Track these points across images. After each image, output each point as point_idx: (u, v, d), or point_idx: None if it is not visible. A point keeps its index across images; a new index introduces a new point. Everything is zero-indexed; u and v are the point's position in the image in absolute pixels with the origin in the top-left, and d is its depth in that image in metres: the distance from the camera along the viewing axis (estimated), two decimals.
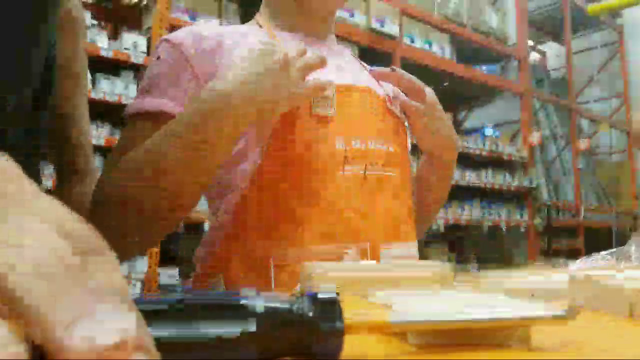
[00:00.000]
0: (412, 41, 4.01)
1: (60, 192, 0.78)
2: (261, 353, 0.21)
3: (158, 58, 0.73)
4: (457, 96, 5.20)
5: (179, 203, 0.66)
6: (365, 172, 0.72)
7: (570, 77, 5.88)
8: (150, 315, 0.19)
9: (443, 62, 4.23)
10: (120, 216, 0.66)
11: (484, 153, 4.55)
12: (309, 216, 0.68)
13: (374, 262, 0.67)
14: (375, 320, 0.25)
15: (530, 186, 4.90)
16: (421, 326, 0.27)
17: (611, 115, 6.69)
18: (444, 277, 0.52)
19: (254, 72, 0.62)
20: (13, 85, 0.59)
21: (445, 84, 4.63)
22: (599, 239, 5.47)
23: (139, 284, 2.56)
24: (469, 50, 4.67)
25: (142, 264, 2.52)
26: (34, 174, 0.69)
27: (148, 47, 2.77)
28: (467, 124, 5.83)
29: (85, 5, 2.66)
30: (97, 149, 2.32)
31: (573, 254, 5.16)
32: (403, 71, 0.80)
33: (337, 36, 0.90)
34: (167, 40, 0.74)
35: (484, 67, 4.95)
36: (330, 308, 0.23)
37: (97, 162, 0.86)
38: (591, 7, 5.85)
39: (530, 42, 5.96)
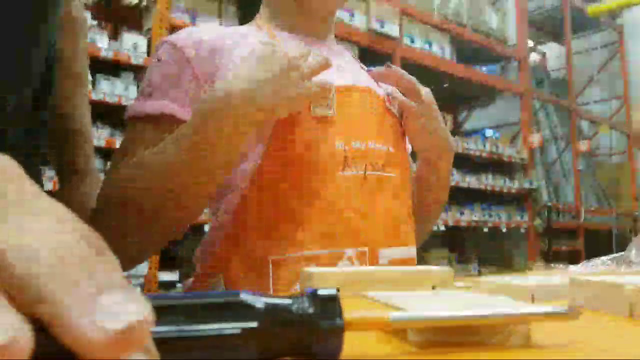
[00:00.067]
0: (412, 41, 4.02)
1: (60, 192, 0.78)
2: (261, 352, 0.21)
3: (159, 60, 0.73)
4: (457, 97, 5.21)
5: (183, 205, 0.66)
6: (365, 173, 0.72)
7: (570, 78, 5.89)
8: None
9: (443, 62, 4.23)
10: (123, 218, 0.66)
11: (484, 154, 4.55)
12: (308, 216, 0.68)
13: (373, 267, 0.67)
14: (375, 318, 0.25)
15: (531, 188, 4.90)
16: (421, 323, 0.27)
17: (611, 117, 6.70)
18: (444, 279, 0.52)
19: (255, 72, 0.62)
20: (13, 85, 0.59)
21: (445, 85, 4.64)
22: (599, 241, 5.47)
23: (138, 285, 2.56)
24: (469, 51, 4.67)
25: (142, 265, 2.52)
26: (35, 175, 0.70)
27: (148, 48, 2.78)
28: (467, 125, 5.84)
29: (86, 6, 2.66)
30: (98, 150, 2.33)
31: (573, 256, 5.16)
32: (402, 70, 0.80)
33: (337, 37, 0.90)
34: (167, 42, 0.74)
35: (484, 68, 4.96)
36: (330, 305, 0.23)
37: (97, 163, 0.86)
38: (591, 8, 5.85)
39: (530, 43, 5.97)
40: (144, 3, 2.92)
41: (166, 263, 2.66)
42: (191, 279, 0.76)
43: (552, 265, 0.72)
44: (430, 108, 0.79)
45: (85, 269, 0.16)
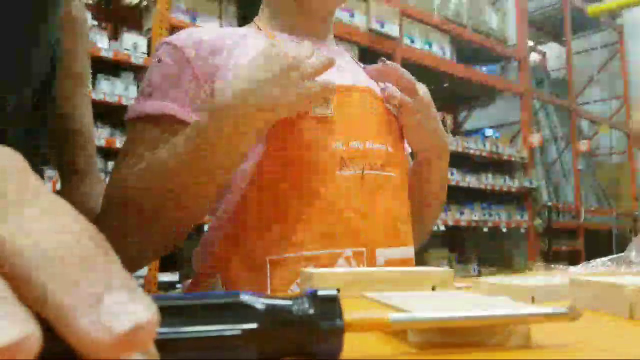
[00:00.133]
0: (412, 42, 4.02)
1: (61, 192, 0.78)
2: (261, 352, 0.21)
3: (159, 61, 0.73)
4: (457, 96, 5.21)
5: (183, 205, 0.66)
6: (363, 173, 0.71)
7: (570, 78, 5.89)
8: None
9: (443, 62, 4.23)
10: (124, 218, 0.66)
11: (484, 154, 4.55)
12: (306, 216, 0.68)
13: (373, 268, 0.67)
14: (376, 318, 0.25)
15: (531, 187, 4.90)
16: (421, 324, 0.27)
17: (611, 117, 6.70)
18: (444, 280, 0.52)
19: (255, 73, 0.62)
20: (13, 85, 0.59)
21: (445, 85, 4.64)
22: (599, 241, 5.48)
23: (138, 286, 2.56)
24: (469, 51, 4.67)
25: None
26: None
27: (148, 48, 2.78)
28: (467, 125, 5.84)
29: (86, 6, 2.66)
30: (98, 149, 2.32)
31: (573, 256, 5.16)
32: (398, 66, 0.79)
33: (337, 37, 0.90)
34: (167, 43, 0.74)
35: (484, 68, 4.96)
36: (330, 306, 0.23)
37: (98, 162, 0.86)
38: (591, 8, 5.85)
39: (530, 43, 5.97)
40: (144, 3, 2.92)
41: (166, 264, 2.66)
42: (190, 280, 0.76)
43: (552, 265, 0.72)
44: (427, 105, 0.79)
45: (90, 268, 0.16)
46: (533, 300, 0.46)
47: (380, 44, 3.67)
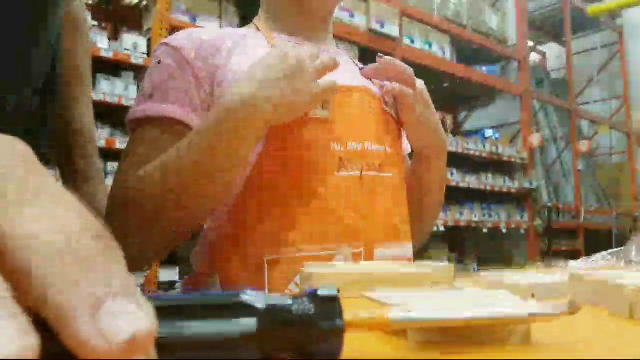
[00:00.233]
0: (412, 42, 4.02)
1: None
2: (261, 352, 0.21)
3: (159, 62, 0.73)
4: (457, 97, 5.21)
5: (183, 205, 0.66)
6: (361, 173, 0.72)
7: (570, 78, 5.89)
8: None
9: (443, 62, 4.23)
10: (124, 219, 0.66)
11: (484, 155, 4.55)
12: (305, 217, 0.68)
13: (373, 263, 0.67)
14: (376, 318, 0.25)
15: (531, 188, 4.90)
16: (422, 323, 0.27)
17: (611, 117, 6.70)
18: (445, 276, 0.52)
19: (269, 76, 0.63)
20: (13, 85, 0.59)
21: (445, 85, 4.64)
22: (599, 241, 5.47)
23: (138, 285, 2.56)
24: (469, 51, 4.67)
25: None
26: None
27: (148, 48, 2.78)
28: (467, 126, 5.84)
29: (86, 6, 2.66)
30: (98, 150, 2.32)
31: (573, 256, 5.15)
32: (396, 61, 0.78)
33: (336, 37, 0.90)
34: (166, 44, 0.74)
35: (484, 68, 4.96)
36: (330, 305, 0.23)
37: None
38: (591, 8, 5.85)
39: (530, 43, 5.97)
40: (144, 3, 2.93)
41: (166, 263, 2.66)
42: (188, 277, 0.76)
43: (552, 263, 0.72)
44: (425, 100, 0.79)
45: (90, 268, 0.16)
46: (533, 296, 0.46)
47: (380, 44, 3.67)
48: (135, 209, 0.66)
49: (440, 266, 0.53)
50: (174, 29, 2.61)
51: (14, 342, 0.13)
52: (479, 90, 4.92)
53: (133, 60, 2.69)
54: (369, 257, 0.70)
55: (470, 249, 4.93)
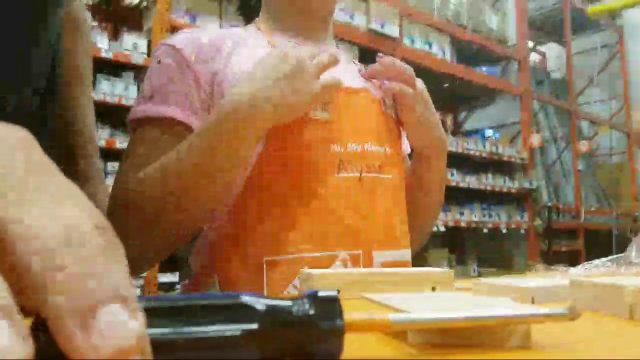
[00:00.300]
0: (412, 42, 4.02)
1: None
2: (262, 353, 0.21)
3: (159, 62, 0.73)
4: (457, 97, 5.21)
5: (183, 207, 0.66)
6: (361, 175, 0.71)
7: (570, 78, 5.89)
8: (150, 315, 0.19)
9: (443, 63, 4.23)
10: (125, 220, 0.66)
11: (484, 155, 4.55)
12: (304, 217, 0.68)
13: (373, 269, 0.67)
14: (376, 319, 0.25)
15: (531, 188, 4.90)
16: (422, 325, 0.27)
17: (611, 117, 6.70)
18: (445, 281, 0.52)
19: (269, 77, 0.63)
20: (13, 85, 0.59)
21: (445, 85, 4.64)
22: (599, 241, 5.48)
23: (138, 287, 2.56)
24: (469, 52, 4.67)
25: None
26: None
27: (148, 48, 2.78)
28: (467, 126, 5.84)
29: (86, 6, 2.66)
30: (98, 150, 2.32)
31: (573, 256, 5.16)
32: (396, 60, 0.78)
33: (337, 37, 0.90)
34: (166, 44, 0.74)
35: (484, 69, 4.96)
36: (330, 306, 0.23)
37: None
38: (591, 9, 5.85)
39: (530, 43, 5.97)
40: (144, 3, 2.92)
41: (166, 264, 2.66)
42: (187, 281, 0.76)
43: (552, 267, 0.72)
44: (425, 99, 0.79)
45: (92, 269, 0.16)
46: (533, 301, 0.46)
47: (380, 44, 3.67)
48: (135, 210, 0.66)
49: (440, 271, 0.53)
50: (174, 29, 2.62)
51: (10, 348, 0.14)
52: (479, 90, 4.92)
53: (133, 61, 2.69)
54: (368, 259, 0.70)
55: (470, 249, 4.93)
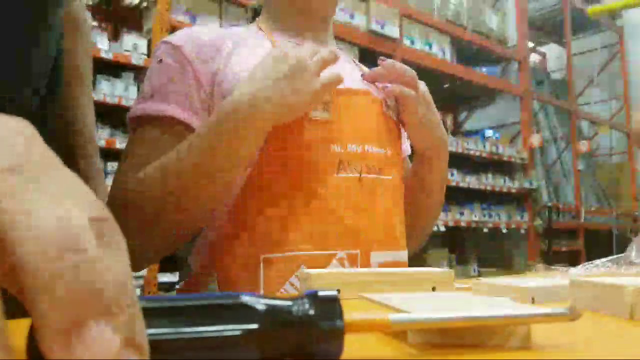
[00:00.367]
0: (412, 43, 4.02)
1: None
2: (262, 352, 0.21)
3: (159, 61, 0.73)
4: (457, 97, 5.21)
5: (183, 208, 0.66)
6: (360, 176, 0.71)
7: (571, 79, 5.89)
8: (150, 315, 0.19)
9: (443, 63, 4.23)
10: (124, 220, 0.66)
11: (484, 155, 4.55)
12: (303, 217, 0.68)
13: (373, 269, 0.67)
14: (376, 319, 0.25)
15: (531, 188, 4.90)
16: (422, 325, 0.27)
17: (611, 117, 6.70)
18: (445, 281, 0.52)
19: (269, 76, 0.63)
20: (13, 85, 0.59)
21: (445, 86, 4.64)
22: (599, 241, 5.47)
23: (138, 287, 2.56)
24: (469, 52, 4.67)
25: None
26: None
27: (148, 49, 2.78)
28: (467, 126, 5.84)
29: (86, 6, 2.66)
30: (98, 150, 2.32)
31: (573, 256, 5.16)
32: (398, 63, 0.78)
33: (337, 37, 0.90)
34: (167, 42, 0.74)
35: (484, 69, 4.96)
36: (330, 306, 0.23)
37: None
38: (591, 9, 5.85)
39: (531, 44, 5.97)
40: (144, 4, 2.92)
41: (166, 264, 2.66)
42: (184, 281, 0.76)
43: (552, 267, 0.72)
44: (428, 101, 0.79)
45: (86, 276, 0.16)
46: (533, 301, 0.46)
47: (380, 45, 3.67)
48: (135, 211, 0.66)
49: (440, 271, 0.53)
50: (174, 30, 2.61)
51: None
52: (479, 90, 4.92)
53: (133, 61, 2.69)
54: (365, 259, 0.70)
55: (470, 249, 4.92)
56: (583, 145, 5.82)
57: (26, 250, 0.16)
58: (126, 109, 0.75)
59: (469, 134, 5.36)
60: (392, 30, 3.76)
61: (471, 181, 4.40)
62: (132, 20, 2.99)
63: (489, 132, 5.09)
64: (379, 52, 3.61)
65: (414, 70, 0.78)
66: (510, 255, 4.98)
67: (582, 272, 0.64)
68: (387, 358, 0.27)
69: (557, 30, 6.26)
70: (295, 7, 0.81)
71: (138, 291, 2.54)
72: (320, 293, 0.23)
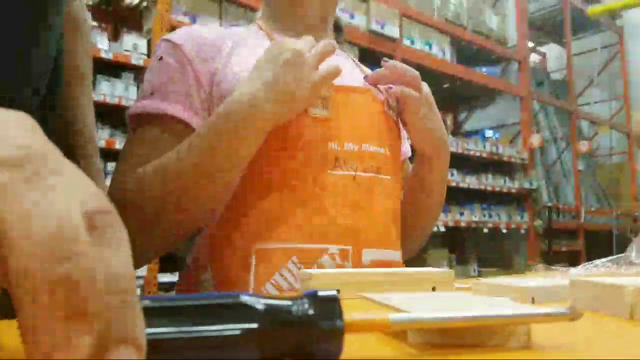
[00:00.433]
0: (412, 43, 4.02)
1: None
2: (262, 352, 0.21)
3: (159, 60, 0.73)
4: (457, 97, 5.21)
5: (183, 208, 0.66)
6: (355, 174, 0.71)
7: (571, 79, 5.89)
8: (150, 315, 0.19)
9: (443, 63, 4.23)
10: (124, 220, 0.66)
11: (484, 155, 4.55)
12: (296, 212, 0.68)
13: (373, 269, 0.67)
14: (376, 319, 0.25)
15: (531, 188, 4.90)
16: (422, 325, 0.27)
17: (611, 118, 6.70)
18: (445, 281, 0.52)
19: (268, 76, 0.63)
20: (13, 85, 0.59)
21: (445, 86, 4.64)
22: (599, 241, 5.47)
23: (138, 287, 2.56)
24: (469, 52, 4.68)
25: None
26: None
27: (148, 49, 2.78)
28: (467, 126, 5.83)
29: (86, 6, 2.66)
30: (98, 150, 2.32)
31: (573, 256, 5.16)
32: (400, 64, 0.78)
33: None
34: (167, 41, 0.74)
35: (484, 69, 4.96)
36: (330, 306, 0.23)
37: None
38: (591, 9, 5.86)
39: (531, 44, 5.97)
40: (144, 4, 2.92)
41: (166, 264, 2.66)
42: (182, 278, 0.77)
43: (552, 267, 0.72)
44: (430, 102, 0.79)
45: (72, 290, 0.16)
46: (533, 301, 0.46)
47: (380, 45, 3.67)
48: (134, 211, 0.66)
49: (440, 271, 0.53)
50: (173, 30, 2.61)
51: None
52: (479, 90, 4.92)
53: (133, 61, 2.69)
54: (357, 256, 0.70)
55: (470, 249, 4.92)
56: (583, 146, 5.82)
57: (17, 256, 0.16)
58: (126, 110, 0.75)
59: (469, 134, 5.36)
60: (392, 30, 3.77)
61: (471, 181, 4.40)
62: (132, 20, 2.99)
63: (489, 133, 5.09)
64: (379, 52, 3.62)
65: (417, 72, 0.77)
66: (510, 256, 4.98)
67: (582, 272, 0.64)
68: (387, 358, 0.27)
69: (557, 30, 6.26)
70: (295, 7, 0.81)
71: (138, 291, 2.53)
72: (320, 293, 0.23)
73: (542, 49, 6.95)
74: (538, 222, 4.93)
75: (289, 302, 0.23)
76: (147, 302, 0.21)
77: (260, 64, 0.65)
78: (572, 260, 4.96)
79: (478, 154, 4.49)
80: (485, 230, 4.58)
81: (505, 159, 4.77)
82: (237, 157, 0.65)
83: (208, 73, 0.72)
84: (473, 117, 5.85)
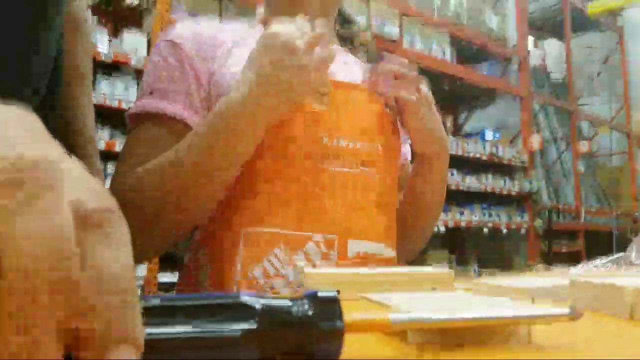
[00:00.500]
0: (412, 42, 4.02)
1: None
2: (261, 352, 0.21)
3: (159, 59, 0.73)
4: (457, 97, 5.21)
5: (183, 207, 0.66)
6: (346, 170, 0.72)
7: (570, 79, 5.89)
8: (150, 315, 0.19)
9: (443, 63, 4.23)
10: (131, 221, 0.66)
11: (484, 156, 4.55)
12: (284, 202, 0.68)
13: (373, 269, 0.67)
14: (376, 319, 0.25)
15: (531, 189, 4.90)
16: (422, 324, 0.27)
17: (612, 119, 6.70)
18: (445, 281, 0.52)
19: (263, 71, 0.63)
20: (13, 85, 0.59)
21: (445, 86, 4.64)
22: (599, 241, 5.47)
23: (138, 287, 2.56)
24: (469, 52, 4.68)
25: (141, 266, 2.52)
26: None
27: (148, 49, 2.78)
28: (467, 127, 5.83)
29: (86, 6, 2.66)
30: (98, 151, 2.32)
31: (573, 257, 5.15)
32: (404, 62, 0.78)
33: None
34: (166, 40, 0.74)
35: (484, 69, 4.96)
36: (330, 307, 0.23)
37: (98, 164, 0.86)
38: (591, 8, 5.86)
39: (531, 44, 5.97)
40: (144, 4, 2.92)
41: (166, 264, 2.66)
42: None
43: (552, 267, 0.72)
44: (430, 103, 0.78)
45: (68, 290, 0.16)
46: (533, 301, 0.46)
47: (380, 45, 3.67)
48: (134, 211, 0.66)
49: (440, 271, 0.53)
50: None
51: None
52: (479, 90, 4.92)
53: (133, 61, 2.69)
54: (342, 246, 0.70)
55: (470, 250, 4.92)
56: (583, 146, 5.82)
57: (17, 256, 0.16)
58: (126, 111, 0.75)
59: (469, 135, 5.36)
60: (392, 30, 3.77)
61: (471, 182, 4.40)
62: (132, 20, 2.99)
63: (489, 133, 5.09)
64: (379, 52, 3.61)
65: (419, 75, 0.77)
66: (510, 256, 4.98)
67: (582, 272, 0.64)
68: (387, 358, 0.27)
69: (557, 30, 6.26)
70: (294, 7, 0.81)
71: (138, 291, 2.53)
72: (320, 293, 0.23)
73: (543, 44, 6.92)
74: (538, 223, 4.93)
75: (289, 303, 0.23)
76: (147, 302, 0.21)
77: (253, 57, 0.65)
78: (573, 260, 4.93)
79: (478, 154, 4.49)
80: (486, 231, 4.58)
81: (505, 159, 4.77)
82: (235, 155, 0.65)
83: (207, 72, 0.72)
84: (473, 117, 5.85)
